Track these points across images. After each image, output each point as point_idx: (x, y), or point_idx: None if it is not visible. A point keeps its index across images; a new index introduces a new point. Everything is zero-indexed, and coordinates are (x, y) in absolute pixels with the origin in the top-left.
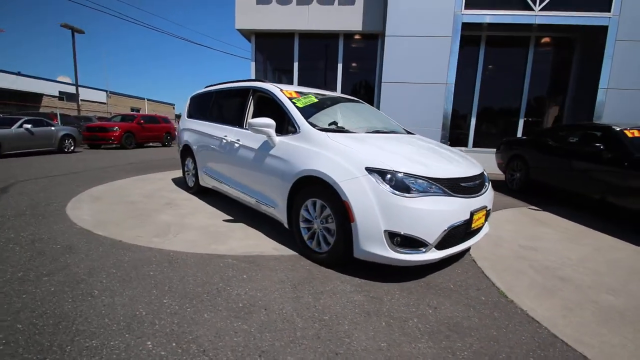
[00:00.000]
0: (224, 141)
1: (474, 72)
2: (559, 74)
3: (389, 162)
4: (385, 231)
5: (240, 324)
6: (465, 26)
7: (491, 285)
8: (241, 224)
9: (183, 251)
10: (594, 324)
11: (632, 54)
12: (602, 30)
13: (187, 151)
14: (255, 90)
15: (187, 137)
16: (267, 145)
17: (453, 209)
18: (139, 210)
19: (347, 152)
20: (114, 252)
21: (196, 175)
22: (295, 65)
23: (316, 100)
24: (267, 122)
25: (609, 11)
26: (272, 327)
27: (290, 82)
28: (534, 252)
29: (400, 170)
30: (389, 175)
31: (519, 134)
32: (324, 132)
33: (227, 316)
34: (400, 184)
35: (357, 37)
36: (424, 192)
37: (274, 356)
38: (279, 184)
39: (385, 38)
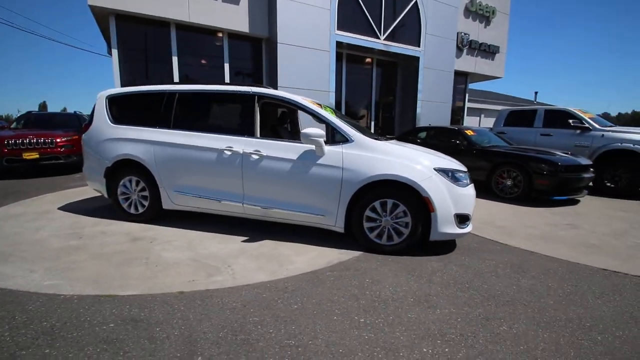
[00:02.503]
0: (227, 153)
1: (339, 81)
2: (391, 88)
3: (443, 163)
4: (454, 214)
5: (422, 310)
6: (337, 44)
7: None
8: (268, 241)
9: (271, 280)
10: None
11: (433, 77)
12: (416, 59)
13: (126, 168)
14: (262, 96)
15: (128, 149)
16: (312, 155)
17: (475, 192)
18: (134, 256)
19: (413, 156)
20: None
21: (154, 198)
22: (175, 59)
23: (331, 109)
24: (321, 133)
25: (419, 46)
26: (456, 296)
27: (170, 77)
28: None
29: (455, 168)
30: (450, 172)
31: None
32: (380, 141)
33: (414, 304)
34: (457, 178)
35: (242, 38)
36: (467, 181)
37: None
38: (336, 191)
39: (278, 45)
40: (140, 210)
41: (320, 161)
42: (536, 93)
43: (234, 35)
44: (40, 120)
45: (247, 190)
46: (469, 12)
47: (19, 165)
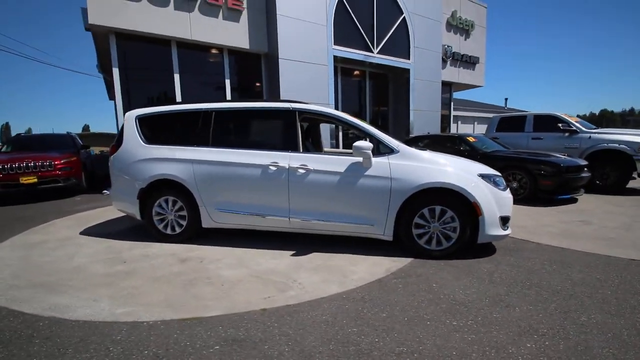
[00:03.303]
0: (273, 168)
1: (336, 94)
2: (384, 98)
3: (484, 169)
4: (499, 217)
5: (502, 309)
6: (335, 58)
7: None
8: (316, 254)
9: (344, 291)
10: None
11: (424, 88)
12: (407, 71)
13: (162, 188)
14: (302, 112)
15: (165, 169)
16: (360, 167)
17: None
18: (194, 277)
19: (457, 164)
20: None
21: (192, 217)
22: (177, 77)
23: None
24: (370, 145)
25: (409, 59)
26: (525, 294)
27: (172, 96)
28: None
29: (495, 173)
30: (492, 178)
31: None
32: (424, 152)
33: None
34: (498, 182)
35: (242, 54)
36: (505, 185)
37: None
38: (385, 200)
39: (280, 60)
40: (178, 230)
41: (368, 172)
42: (506, 99)
43: (233, 52)
44: (31, 142)
45: (293, 204)
46: (450, 26)
47: (16, 190)
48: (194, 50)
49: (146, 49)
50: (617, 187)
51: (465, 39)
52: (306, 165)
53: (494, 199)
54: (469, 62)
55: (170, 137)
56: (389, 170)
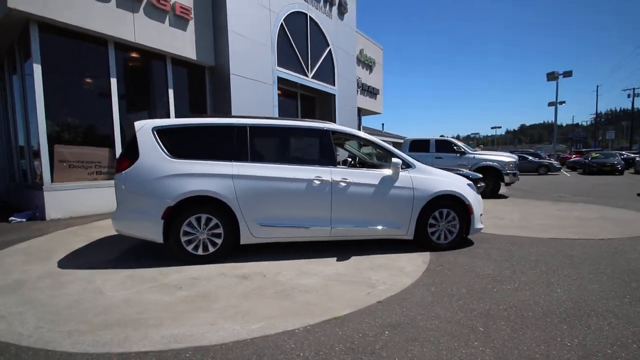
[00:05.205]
0: (317, 182)
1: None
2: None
3: (467, 180)
4: (480, 214)
5: (554, 289)
6: (278, 79)
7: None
8: (356, 257)
9: (417, 281)
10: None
11: (345, 112)
12: (333, 96)
13: (192, 206)
14: (335, 132)
15: (200, 185)
16: (390, 179)
17: None
18: (279, 289)
19: (453, 176)
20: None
21: (229, 235)
22: (114, 82)
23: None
24: (401, 162)
25: (335, 86)
26: (568, 275)
27: (108, 100)
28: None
29: (471, 182)
30: (472, 185)
31: None
32: (432, 167)
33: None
34: (474, 188)
35: (186, 65)
36: (477, 190)
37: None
38: (409, 207)
39: (231, 76)
40: (211, 250)
41: (396, 184)
42: (383, 124)
43: (178, 61)
44: None
45: (334, 214)
46: (359, 61)
47: None
48: (134, 55)
49: (76, 47)
50: (492, 193)
51: (369, 74)
52: (346, 179)
53: (477, 200)
54: (372, 92)
55: (201, 152)
56: (412, 182)
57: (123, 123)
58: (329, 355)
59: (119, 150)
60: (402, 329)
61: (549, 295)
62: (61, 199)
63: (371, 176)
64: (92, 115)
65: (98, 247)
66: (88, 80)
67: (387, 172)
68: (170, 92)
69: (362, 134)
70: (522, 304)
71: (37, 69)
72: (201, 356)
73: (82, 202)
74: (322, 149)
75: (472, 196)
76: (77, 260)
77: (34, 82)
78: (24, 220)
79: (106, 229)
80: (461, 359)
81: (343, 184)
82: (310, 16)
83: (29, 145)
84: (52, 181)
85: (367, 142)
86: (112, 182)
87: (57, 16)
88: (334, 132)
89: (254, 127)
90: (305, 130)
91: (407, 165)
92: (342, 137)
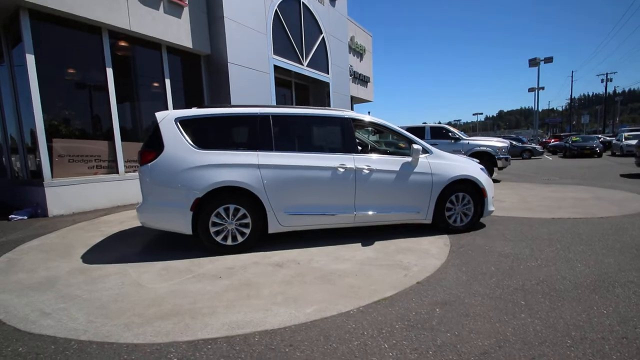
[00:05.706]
0: (341, 170)
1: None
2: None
3: (479, 164)
4: (492, 197)
5: (574, 264)
6: (274, 67)
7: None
8: (379, 241)
9: (446, 262)
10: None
11: (339, 100)
12: (327, 85)
13: (220, 197)
14: (355, 120)
15: (229, 175)
16: (409, 165)
17: None
18: (317, 275)
19: (467, 161)
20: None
21: (257, 224)
22: (109, 72)
23: None
24: (421, 148)
25: (329, 74)
26: (582, 252)
27: (104, 92)
28: None
29: (483, 166)
30: (484, 168)
31: None
32: (447, 152)
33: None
34: (485, 171)
35: (182, 53)
36: (488, 173)
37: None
38: (428, 191)
39: (229, 65)
40: (240, 239)
41: (416, 170)
42: (369, 112)
43: (174, 50)
44: None
45: (358, 201)
46: (350, 49)
47: None
48: (129, 44)
49: (69, 36)
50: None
51: (360, 61)
52: (369, 166)
53: (489, 184)
54: (364, 80)
55: (225, 142)
56: (430, 167)
57: (121, 114)
58: (391, 332)
59: (118, 142)
60: (450, 306)
61: (572, 270)
62: (62, 194)
63: (392, 163)
64: (89, 107)
65: (118, 241)
66: (83, 71)
67: (407, 158)
68: (167, 81)
69: (380, 121)
70: (551, 279)
71: (31, 59)
72: (270, 339)
73: (84, 198)
74: (344, 136)
75: (485, 180)
76: (100, 255)
77: (28, 73)
78: (25, 217)
79: (115, 223)
80: (515, 329)
81: (366, 170)
82: (303, 2)
83: (22, 140)
84: (52, 177)
85: (386, 129)
86: (113, 176)
87: (48, 2)
88: (354, 119)
89: (276, 116)
90: (326, 118)
91: (425, 151)
92: (360, 125)
